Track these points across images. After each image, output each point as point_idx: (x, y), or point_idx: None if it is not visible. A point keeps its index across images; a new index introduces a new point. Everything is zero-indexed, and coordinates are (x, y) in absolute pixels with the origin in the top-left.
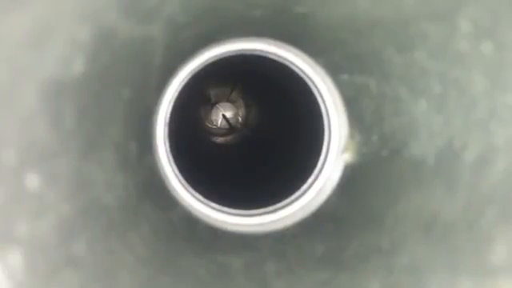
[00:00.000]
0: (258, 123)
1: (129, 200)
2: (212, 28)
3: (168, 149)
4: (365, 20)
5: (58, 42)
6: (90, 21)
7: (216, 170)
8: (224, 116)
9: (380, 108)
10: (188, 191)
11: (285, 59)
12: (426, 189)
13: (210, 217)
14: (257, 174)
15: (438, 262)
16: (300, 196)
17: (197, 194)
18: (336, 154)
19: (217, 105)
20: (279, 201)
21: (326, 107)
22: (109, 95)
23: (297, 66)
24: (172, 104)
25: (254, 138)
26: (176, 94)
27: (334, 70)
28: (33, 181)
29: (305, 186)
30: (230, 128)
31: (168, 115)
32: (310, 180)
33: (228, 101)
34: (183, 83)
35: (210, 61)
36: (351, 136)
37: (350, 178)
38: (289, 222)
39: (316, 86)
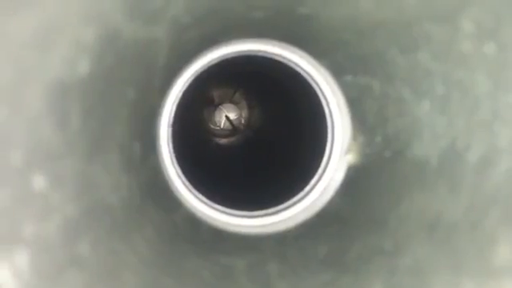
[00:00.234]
0: (261, 124)
1: (132, 201)
2: (215, 29)
3: (171, 150)
4: (367, 21)
5: (63, 43)
6: (95, 22)
7: (219, 171)
8: (227, 117)
9: (383, 109)
10: (191, 192)
11: (288, 60)
12: (429, 190)
13: (213, 218)
14: (260, 176)
15: (441, 263)
16: (303, 197)
17: (200, 196)
18: (339, 155)
19: (220, 106)
20: (282, 202)
21: (329, 108)
22: (113, 96)
23: (300, 67)
24: (176, 105)
25: (258, 140)
26: (180, 95)
27: (337, 71)
28: (39, 182)
29: (308, 187)
30: (233, 129)
31: (172, 116)
32: (313, 181)
33: (231, 102)
34: (187, 84)
35: (214, 62)
36: (354, 137)
37: (353, 179)
38: (292, 224)
39: (319, 87)
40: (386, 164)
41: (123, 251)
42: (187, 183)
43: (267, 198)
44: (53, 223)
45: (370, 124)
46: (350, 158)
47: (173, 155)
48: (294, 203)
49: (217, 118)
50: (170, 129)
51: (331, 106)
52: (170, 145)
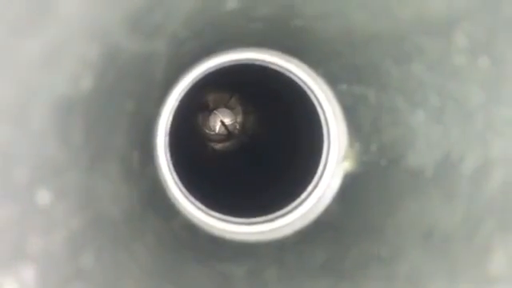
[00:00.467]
0: (256, 130)
1: (133, 210)
2: (213, 41)
3: (169, 158)
4: (361, 33)
5: (67, 61)
6: (98, 39)
7: (216, 177)
8: (222, 122)
9: (379, 118)
10: (188, 200)
11: (284, 69)
12: (424, 199)
13: (211, 225)
14: (256, 182)
15: (436, 272)
16: (300, 204)
17: (197, 203)
18: (335, 162)
19: (215, 111)
20: (279, 209)
21: (325, 116)
22: (114, 109)
23: (296, 76)
24: (172, 114)
25: (253, 146)
26: (176, 103)
27: (332, 80)
28: (44, 197)
29: (304, 194)
30: (229, 134)
31: (168, 125)
32: (309, 188)
33: (226, 107)
34: (183, 93)
35: (211, 71)
36: (350, 145)
37: (350, 187)
38: (289, 230)
39: (315, 95)
40: (382, 172)
41: (126, 261)
42: (184, 190)
43: (264, 204)
44: (57, 237)
45: (365, 132)
46: (347, 166)
47: (170, 163)
48: (292, 210)
49: (212, 123)
50: (167, 137)
51: (327, 113)
52: (168, 153)
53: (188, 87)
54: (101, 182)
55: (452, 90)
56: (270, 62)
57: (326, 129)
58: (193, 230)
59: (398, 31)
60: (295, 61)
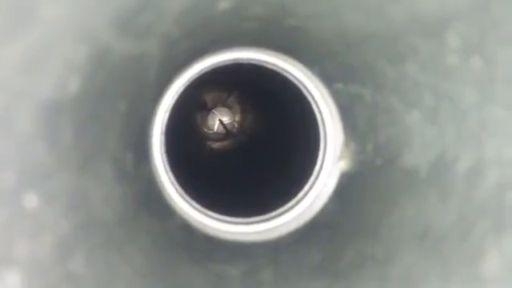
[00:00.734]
0: (254, 129)
1: (126, 212)
2: (205, 41)
3: (164, 157)
4: (356, 33)
5: (54, 64)
6: (86, 41)
7: (213, 176)
8: (220, 121)
9: (374, 117)
10: (184, 199)
11: (280, 68)
12: (419, 199)
13: (207, 225)
14: (252, 182)
15: (431, 272)
16: (296, 204)
17: (193, 202)
18: (332, 161)
19: (213, 110)
20: (275, 208)
21: (321, 115)
22: (105, 110)
23: (292, 75)
24: (168, 113)
25: (251, 145)
26: (172, 102)
27: (327, 80)
28: (31, 201)
29: (301, 194)
30: (227, 133)
31: (164, 124)
32: (306, 187)
33: (224, 106)
34: (179, 92)
35: (207, 70)
36: (346, 144)
37: (346, 186)
38: (285, 230)
39: (311, 95)
40: (378, 172)
41: (118, 263)
42: (180, 190)
43: (260, 204)
44: (45, 240)
45: (361, 132)
46: (342, 165)
47: (166, 163)
48: (288, 209)
49: (210, 122)
50: (163, 136)
51: (323, 113)
52: (163, 152)
53: (184, 86)
54: (92, 183)
55: (446, 90)
56: (265, 62)
57: (322, 128)
58: (188, 230)
59: (391, 31)
60: (290, 60)
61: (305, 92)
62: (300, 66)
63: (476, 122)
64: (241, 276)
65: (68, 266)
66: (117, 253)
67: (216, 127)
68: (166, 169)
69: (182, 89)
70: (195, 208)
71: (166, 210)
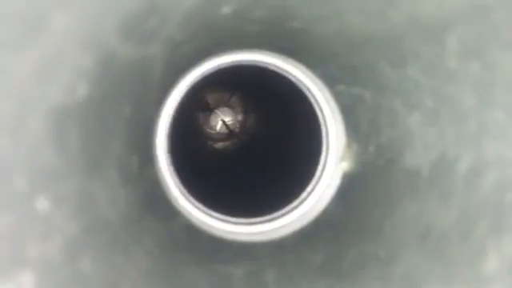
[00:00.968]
0: (256, 129)
1: (132, 214)
2: (209, 43)
3: (169, 159)
4: (357, 35)
5: (63, 71)
6: (93, 47)
7: (216, 177)
8: (223, 121)
9: (376, 119)
10: (188, 200)
11: (283, 70)
12: (421, 199)
13: (211, 225)
14: (255, 182)
15: (433, 272)
16: (299, 204)
17: (197, 203)
18: (334, 162)
19: (216, 110)
20: (278, 209)
21: (323, 116)
22: (111, 114)
23: (294, 76)
24: (172, 115)
25: (253, 145)
26: (176, 104)
27: (330, 81)
28: (43, 204)
29: (304, 194)
30: (229, 133)
31: (168, 126)
32: (308, 188)
33: (227, 106)
34: (183, 94)
35: (210, 71)
36: (348, 145)
37: (348, 187)
38: (288, 231)
39: (313, 96)
40: (380, 172)
41: (124, 264)
42: (184, 191)
43: (263, 204)
44: (56, 242)
45: (363, 133)
46: (345, 166)
47: (170, 164)
48: (290, 210)
49: (212, 122)
50: (167, 138)
51: (325, 114)
52: (168, 154)
53: (187, 88)
54: (99, 186)
55: (446, 92)
56: (268, 63)
57: (324, 129)
58: (192, 230)
59: (392, 34)
60: (293, 62)
61: (307, 93)
62: (302, 67)
63: (476, 124)
64: (244, 276)
65: (76, 266)
66: (122, 254)
67: (218, 127)
68: (170, 170)
69: (185, 91)
70: (199, 209)
71: (170, 211)
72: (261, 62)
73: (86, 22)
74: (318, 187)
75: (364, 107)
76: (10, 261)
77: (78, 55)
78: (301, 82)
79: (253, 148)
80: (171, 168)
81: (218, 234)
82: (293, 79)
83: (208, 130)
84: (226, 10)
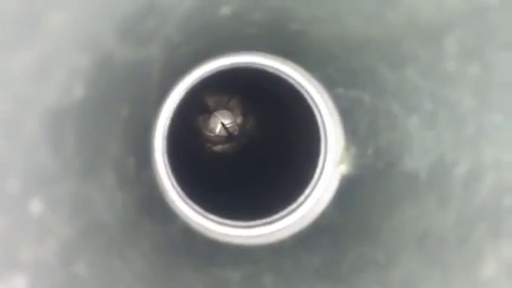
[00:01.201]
0: (255, 132)
1: (128, 216)
2: (207, 45)
3: (167, 161)
4: (356, 38)
5: (59, 72)
6: (90, 48)
7: (213, 179)
8: (222, 124)
9: (374, 122)
10: (186, 203)
11: (281, 72)
12: (419, 202)
13: (208, 228)
14: (253, 185)
15: (430, 276)
16: (297, 207)
17: (194, 206)
18: (332, 165)
19: (215, 112)
20: (276, 212)
21: (322, 119)
22: (108, 115)
23: (293, 79)
24: (170, 117)
25: (252, 148)
26: (174, 106)
27: (328, 84)
28: (36, 206)
29: (302, 198)
30: (228, 136)
31: (166, 128)
32: (306, 191)
33: (226, 108)
34: (182, 96)
35: (209, 74)
36: (347, 148)
37: (347, 190)
38: (286, 234)
39: (312, 98)
40: (378, 176)
41: (120, 268)
42: (182, 194)
43: (261, 207)
44: (50, 245)
45: (361, 135)
46: (343, 169)
47: (168, 167)
48: (288, 213)
49: (212, 125)
50: (165, 140)
51: (324, 116)
52: (165, 156)
53: (186, 90)
54: (95, 189)
55: (444, 95)
56: (266, 66)
57: (322, 132)
58: (189, 233)
59: (391, 36)
60: (291, 64)
61: (306, 96)
62: (301, 70)
63: (474, 127)
64: (242, 280)
65: (71, 269)
66: (118, 257)
67: (218, 130)
68: (167, 173)
69: (184, 93)
70: (196, 211)
71: (167, 214)
72: (259, 64)
73: (83, 22)
74: (316, 190)
75: (363, 110)
76: (4, 264)
77: (75, 55)
78: (299, 84)
79: (251, 151)
80: (169, 170)
81: (215, 236)
82: (291, 82)
83: (207, 132)
84: (224, 11)
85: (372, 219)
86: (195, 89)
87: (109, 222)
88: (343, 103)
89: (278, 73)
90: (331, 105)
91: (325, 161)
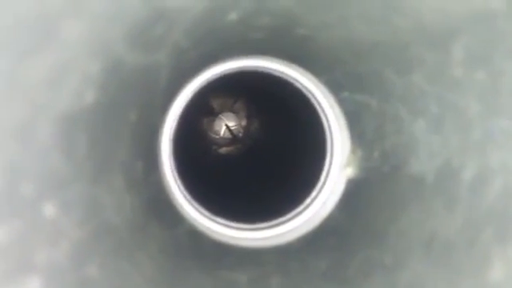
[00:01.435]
0: (260, 135)
1: (137, 219)
2: (214, 50)
3: (173, 164)
4: (363, 43)
5: (71, 78)
6: (101, 55)
7: (220, 182)
8: (227, 126)
9: (381, 125)
10: (192, 206)
11: (287, 76)
12: (426, 206)
13: (214, 231)
14: (260, 188)
15: (438, 279)
16: (303, 210)
17: (201, 209)
18: (338, 168)
19: (220, 115)
20: (282, 215)
21: (328, 122)
22: (117, 120)
23: (299, 83)
24: (177, 120)
25: (258, 150)
26: (180, 110)
27: (335, 88)
28: (49, 210)
29: (308, 200)
30: (233, 138)
31: (173, 131)
32: (312, 194)
33: (231, 111)
34: (188, 99)
35: (215, 77)
36: (353, 151)
37: (353, 193)
38: (293, 236)
39: (318, 102)
40: (385, 179)
41: (129, 270)
42: (188, 197)
43: (267, 210)
44: (63, 248)
45: (368, 139)
46: (349, 172)
47: (174, 170)
48: (294, 216)
49: (216, 127)
50: (172, 143)
51: (330, 120)
52: (172, 159)
53: (192, 94)
54: (104, 192)
55: (451, 100)
56: (273, 69)
57: (328, 135)
58: (196, 236)
59: (398, 41)
60: (298, 68)
61: (312, 99)
62: (307, 74)
63: (481, 132)
64: (248, 282)
65: (83, 272)
66: (127, 260)
67: (222, 132)
68: (174, 175)
69: (190, 96)
70: (203, 214)
71: (174, 217)
72: (265, 67)
73: (95, 29)
74: (322, 193)
75: (369, 114)
76: (19, 266)
77: (87, 62)
78: (306, 88)
79: (258, 154)
80: (175, 173)
81: (222, 239)
82: (297, 85)
83: (212, 134)
84: (232, 16)
85: (378, 222)
86: (201, 92)
87: (118, 224)
88: (350, 107)
89: (284, 76)
90: (337, 109)
91: (331, 163)
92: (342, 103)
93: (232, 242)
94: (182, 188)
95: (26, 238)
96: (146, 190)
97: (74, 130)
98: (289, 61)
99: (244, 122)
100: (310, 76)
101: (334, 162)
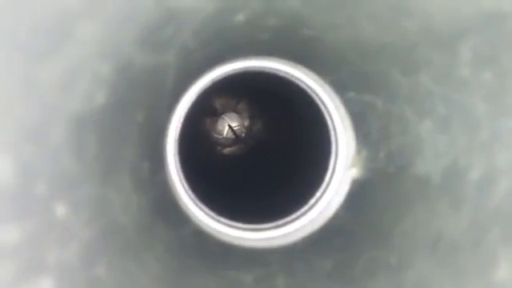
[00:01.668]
0: (264, 135)
1: (143, 220)
2: (221, 51)
3: (178, 165)
4: (370, 44)
5: (83, 80)
6: (111, 57)
7: (225, 183)
8: (230, 126)
9: (387, 126)
10: (197, 206)
11: (293, 76)
12: (431, 206)
13: (220, 231)
14: (264, 188)
15: (444, 279)
16: (308, 210)
17: (206, 209)
18: (343, 168)
19: (223, 115)
20: (287, 215)
21: (332, 122)
22: (125, 120)
23: (304, 83)
24: (182, 121)
25: (262, 151)
26: (185, 110)
27: (340, 88)
28: (61, 210)
29: (312, 200)
30: (236, 138)
31: (178, 131)
32: (317, 194)
33: (234, 111)
34: (193, 100)
35: (221, 78)
36: (358, 151)
37: (358, 193)
38: (298, 237)
39: (323, 102)
40: (390, 179)
41: (136, 270)
42: (194, 197)
43: (272, 210)
44: (73, 248)
45: (373, 139)
46: (354, 172)
47: (180, 170)
48: (299, 216)
49: (219, 127)
50: (177, 143)
51: (335, 120)
52: (177, 159)
53: (197, 94)
54: (112, 193)
55: (458, 100)
56: (278, 70)
57: (333, 135)
58: (202, 236)
59: (405, 42)
60: (303, 69)
61: (316, 99)
62: (313, 74)
63: (488, 132)
64: (254, 282)
65: (92, 272)
66: (134, 260)
67: (225, 132)
68: (179, 176)
69: (195, 97)
70: (208, 215)
71: (180, 217)
72: (270, 68)
73: (108, 30)
74: (327, 193)
75: (375, 114)
76: (31, 266)
77: (98, 63)
78: (311, 89)
79: (262, 154)
80: (180, 173)
81: (227, 239)
82: (302, 85)
83: (215, 134)
84: (239, 18)
85: (384, 222)
86: (206, 92)
87: (125, 224)
88: (355, 107)
89: (289, 76)
90: (343, 109)
91: (335, 164)
92: (348, 104)
93: (237, 242)
94: (187, 188)
95: (38, 238)
96: (153, 190)
97: (84, 131)
98: (295, 61)
99: (247, 123)
100: (315, 76)
101: (338, 163)
